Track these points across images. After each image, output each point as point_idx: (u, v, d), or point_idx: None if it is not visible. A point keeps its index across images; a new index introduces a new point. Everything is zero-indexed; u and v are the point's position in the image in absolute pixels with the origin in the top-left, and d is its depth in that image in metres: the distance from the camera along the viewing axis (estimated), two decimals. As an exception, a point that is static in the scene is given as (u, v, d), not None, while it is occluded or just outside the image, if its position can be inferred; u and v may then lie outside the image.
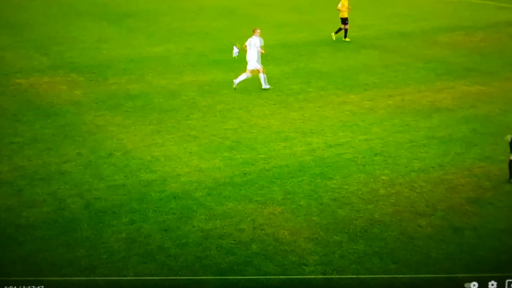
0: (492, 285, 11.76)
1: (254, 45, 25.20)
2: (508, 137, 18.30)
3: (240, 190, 16.51)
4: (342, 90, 25.32)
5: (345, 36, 35.05)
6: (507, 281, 11.78)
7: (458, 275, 12.54)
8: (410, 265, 13.35)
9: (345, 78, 27.18)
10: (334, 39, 35.04)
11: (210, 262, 13.32)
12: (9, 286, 11.55)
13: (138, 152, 18.86)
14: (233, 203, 15.79)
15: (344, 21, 34.91)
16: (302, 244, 14.04)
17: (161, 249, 13.78)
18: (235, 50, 26.14)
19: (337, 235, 14.43)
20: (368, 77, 27.29)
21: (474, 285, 11.76)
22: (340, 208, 15.66)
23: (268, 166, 18.05)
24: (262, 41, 25.55)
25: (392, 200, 16.13)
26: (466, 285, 11.80)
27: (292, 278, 12.84)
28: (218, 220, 14.95)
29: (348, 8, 35.01)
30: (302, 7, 46.13)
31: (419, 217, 15.33)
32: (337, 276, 12.91)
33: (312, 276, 12.90)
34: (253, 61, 25.21)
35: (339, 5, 35.03)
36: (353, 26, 37.38)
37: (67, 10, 43.42)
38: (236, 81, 25.16)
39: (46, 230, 14.50)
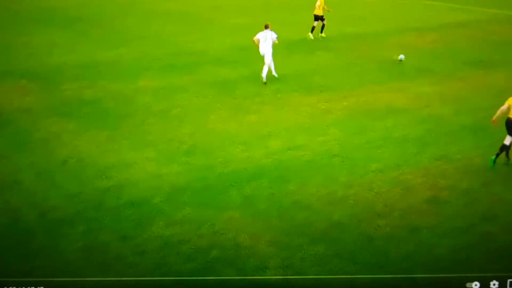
0: (494, 284, 11.84)
1: (270, 39, 26.79)
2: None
3: (199, 195, 16.36)
4: (298, 92, 25.32)
5: (321, 32, 36.58)
6: (509, 280, 11.88)
7: (460, 275, 12.65)
8: (370, 265, 13.38)
9: (301, 80, 27.20)
10: (324, 36, 36.37)
11: (170, 269, 13.16)
12: (9, 287, 11.52)
13: (93, 159, 18.56)
14: (192, 208, 15.62)
15: (320, 17, 36.30)
16: (263, 247, 13.98)
17: (120, 257, 13.56)
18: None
19: (298, 238, 14.39)
20: (323, 79, 27.33)
21: (475, 284, 11.84)
22: (299, 211, 15.62)
23: (226, 170, 17.93)
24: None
25: (350, 201, 16.17)
26: (467, 284, 11.87)
27: (254, 279, 12.79)
28: (177, 226, 14.79)
29: (324, 8, 36.36)
30: (257, 11, 46.15)
31: (378, 217, 15.39)
32: (298, 277, 12.88)
33: (273, 277, 12.85)
34: (268, 53, 26.78)
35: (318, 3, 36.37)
36: (307, 29, 37.60)
37: (15, 16, 42.70)
38: (264, 75, 26.72)
39: (0, 241, 14.18)
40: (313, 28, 36.34)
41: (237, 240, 14.27)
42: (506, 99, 18.14)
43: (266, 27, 27.10)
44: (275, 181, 17.27)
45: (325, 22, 36.38)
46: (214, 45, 33.95)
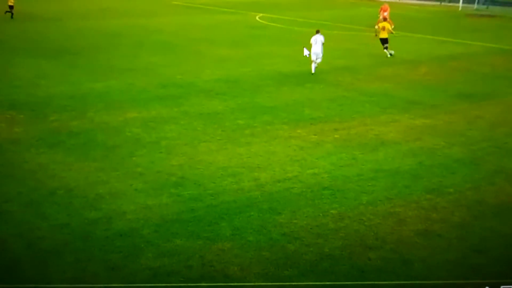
0: None
1: (320, 41, 34.78)
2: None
3: (188, 227, 16.21)
4: (288, 125, 25.28)
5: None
6: (501, 287, 11.86)
7: (452, 282, 12.66)
8: (362, 298, 13.30)
9: (290, 112, 27.17)
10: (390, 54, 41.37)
11: (158, 301, 13.03)
12: None
13: (82, 190, 18.38)
14: (181, 240, 15.49)
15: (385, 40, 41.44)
16: (253, 279, 13.84)
17: (108, 288, 13.40)
18: (306, 52, 35.18)
19: (288, 270, 14.29)
20: (313, 111, 27.36)
21: None
22: (289, 243, 15.52)
23: (215, 202, 17.81)
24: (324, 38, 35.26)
25: (341, 234, 16.08)
26: None
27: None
28: (166, 258, 14.64)
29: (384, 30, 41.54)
30: (244, 42, 46.38)
31: (369, 250, 15.33)
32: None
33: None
34: (319, 54, 34.82)
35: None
36: (296, 61, 37.86)
37: (2, 47, 42.63)
38: (313, 69, 35.02)
39: (-13, 271, 14.02)
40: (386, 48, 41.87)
41: (227, 272, 14.13)
42: (498, 132, 18.17)
43: (317, 31, 35.24)
44: (265, 213, 17.17)
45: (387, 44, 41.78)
46: (202, 77, 34.00)
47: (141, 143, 22.74)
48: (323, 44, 34.69)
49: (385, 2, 62.07)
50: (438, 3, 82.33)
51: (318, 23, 56.65)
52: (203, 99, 29.16)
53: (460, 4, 78.21)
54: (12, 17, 59.22)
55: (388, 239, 15.89)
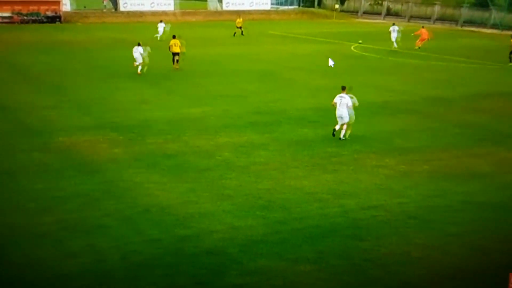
0: None
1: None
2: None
3: (272, 248, 16.65)
4: (377, 154, 25.41)
5: None
6: None
7: None
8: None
9: (380, 142, 27.30)
10: None
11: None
12: None
13: (174, 209, 19.16)
14: (265, 260, 15.94)
15: None
16: (333, 302, 14.11)
17: (194, 302, 13.94)
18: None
19: (370, 295, 14.47)
20: (404, 142, 27.38)
21: None
22: (371, 269, 15.71)
23: (300, 226, 18.19)
24: None
25: (424, 263, 16.09)
26: None
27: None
28: (249, 276, 15.12)
29: None
30: (339, 72, 46.49)
31: (451, 280, 15.28)
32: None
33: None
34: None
35: None
36: (390, 91, 37.90)
37: (108, 73, 44.50)
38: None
39: (83, 280, 14.81)
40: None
41: (309, 293, 14.47)
42: None
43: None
44: (348, 238, 17.42)
45: None
46: (295, 105, 34.54)
47: (231, 167, 23.41)
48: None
49: (423, 27, 62.77)
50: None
51: (414, 54, 56.50)
52: (294, 126, 29.66)
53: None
54: (242, 33, 71.23)
55: (471, 270, 15.78)
